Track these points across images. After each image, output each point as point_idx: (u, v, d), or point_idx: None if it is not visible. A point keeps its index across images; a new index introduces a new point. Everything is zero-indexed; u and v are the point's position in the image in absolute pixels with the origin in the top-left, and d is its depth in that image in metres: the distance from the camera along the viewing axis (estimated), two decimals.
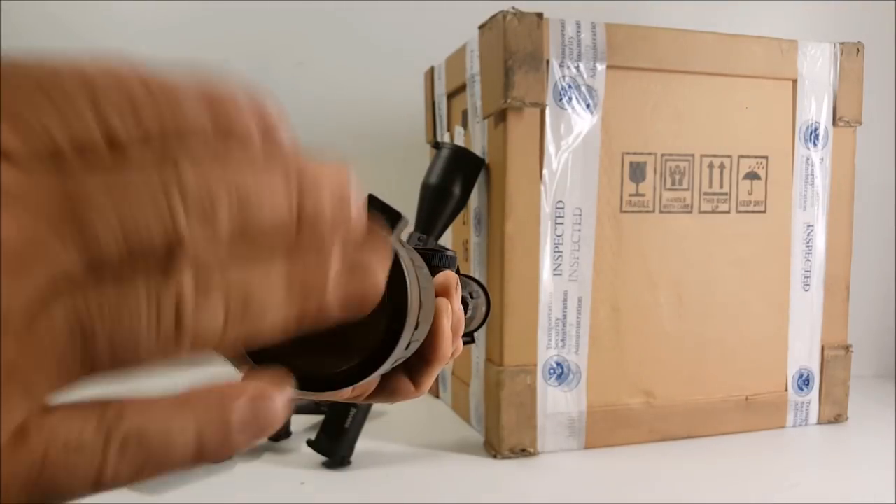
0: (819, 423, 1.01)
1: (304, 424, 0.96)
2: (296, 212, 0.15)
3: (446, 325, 0.30)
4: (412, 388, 0.32)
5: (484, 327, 0.46)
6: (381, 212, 0.23)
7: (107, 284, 0.13)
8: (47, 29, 1.25)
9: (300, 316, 0.16)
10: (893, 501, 0.75)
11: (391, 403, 0.33)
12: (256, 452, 0.88)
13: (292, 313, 0.16)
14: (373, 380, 0.31)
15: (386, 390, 0.32)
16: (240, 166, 0.14)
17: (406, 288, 0.23)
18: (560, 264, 0.87)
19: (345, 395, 0.30)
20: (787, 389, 0.99)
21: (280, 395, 0.17)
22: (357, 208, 0.17)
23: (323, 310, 0.16)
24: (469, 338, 0.43)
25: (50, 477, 0.13)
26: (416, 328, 0.25)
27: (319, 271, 0.16)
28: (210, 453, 0.16)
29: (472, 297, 0.42)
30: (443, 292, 0.31)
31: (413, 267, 0.25)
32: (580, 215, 0.87)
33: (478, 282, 0.46)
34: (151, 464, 0.16)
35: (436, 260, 0.36)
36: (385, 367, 0.24)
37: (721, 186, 0.94)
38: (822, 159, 0.98)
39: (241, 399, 0.16)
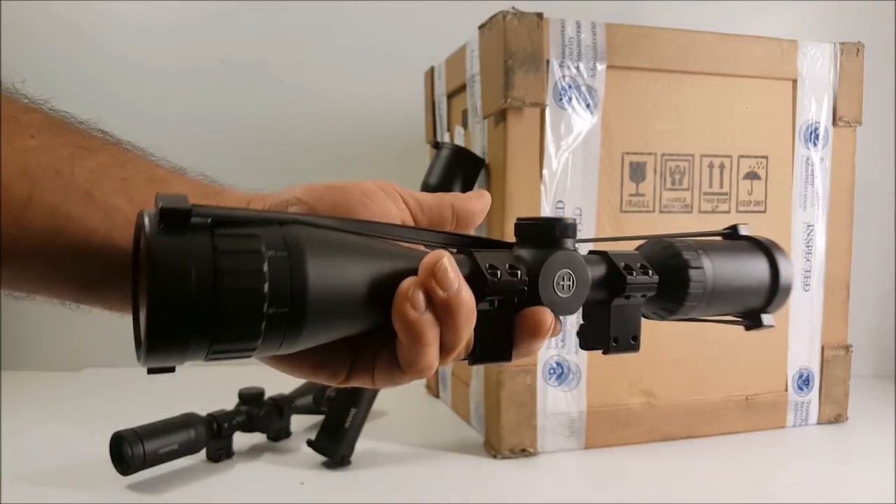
0: (819, 423, 1.01)
1: (304, 424, 0.96)
2: None
3: (404, 308, 0.29)
4: (401, 374, 0.32)
5: None
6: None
7: None
8: (47, 29, 1.25)
9: None
10: (893, 501, 0.75)
11: (393, 386, 0.34)
12: (256, 452, 0.88)
13: None
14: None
15: (381, 370, 0.33)
16: None
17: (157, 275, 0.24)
18: None
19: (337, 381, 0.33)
20: (787, 389, 0.99)
21: None
22: None
23: None
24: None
25: None
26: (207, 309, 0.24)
27: None
28: None
29: (693, 266, 0.36)
30: (420, 272, 0.30)
31: (210, 251, 0.25)
32: (580, 215, 0.87)
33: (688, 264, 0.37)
34: None
35: (556, 231, 0.34)
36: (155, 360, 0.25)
37: (721, 186, 0.94)
38: (822, 159, 0.98)
39: None
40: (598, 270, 0.36)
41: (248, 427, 0.87)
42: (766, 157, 0.96)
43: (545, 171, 0.85)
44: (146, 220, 0.25)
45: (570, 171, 0.87)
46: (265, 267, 0.25)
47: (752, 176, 0.95)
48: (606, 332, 0.37)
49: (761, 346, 0.97)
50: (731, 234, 0.42)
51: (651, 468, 0.85)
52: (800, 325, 0.98)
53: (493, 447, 0.88)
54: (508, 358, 0.34)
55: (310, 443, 0.83)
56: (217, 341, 0.25)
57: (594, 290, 0.36)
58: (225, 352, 0.26)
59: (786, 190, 0.97)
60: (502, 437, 0.86)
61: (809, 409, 1.00)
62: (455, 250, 0.34)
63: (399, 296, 0.30)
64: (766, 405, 0.98)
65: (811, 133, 0.97)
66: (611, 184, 0.89)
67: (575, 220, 0.35)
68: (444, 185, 0.87)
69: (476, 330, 0.32)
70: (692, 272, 0.37)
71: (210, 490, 0.77)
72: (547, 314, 0.33)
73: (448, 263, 0.30)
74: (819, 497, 0.77)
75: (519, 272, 0.33)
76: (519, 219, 0.35)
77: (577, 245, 0.35)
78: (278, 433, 0.90)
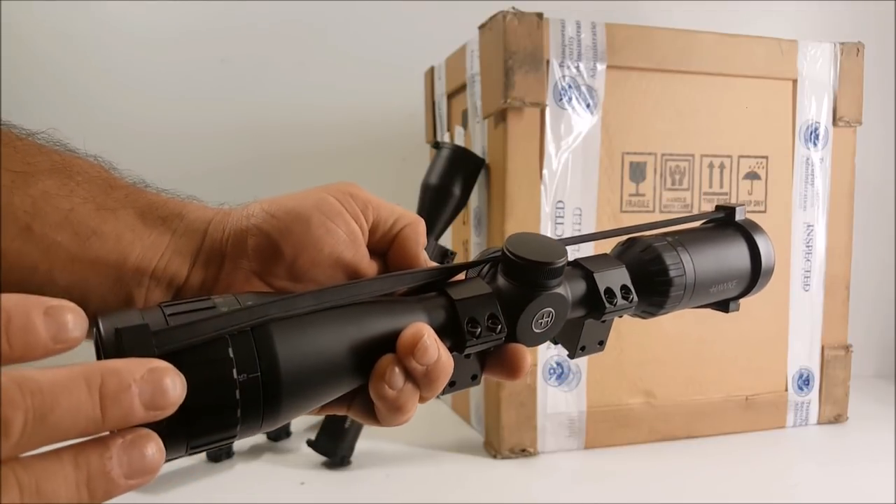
0: (819, 423, 1.01)
1: (304, 424, 0.96)
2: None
3: (381, 389, 0.29)
4: (377, 423, 0.32)
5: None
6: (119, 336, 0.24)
7: None
8: (46, 30, 1.25)
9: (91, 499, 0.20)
10: (893, 501, 0.75)
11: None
12: (256, 452, 0.88)
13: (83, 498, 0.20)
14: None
15: (356, 412, 0.33)
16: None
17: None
18: None
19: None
20: (787, 389, 0.99)
21: (152, 443, 0.21)
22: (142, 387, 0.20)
23: (111, 491, 0.20)
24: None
25: None
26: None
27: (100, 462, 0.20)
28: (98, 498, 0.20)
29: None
30: (399, 349, 0.29)
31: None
32: (580, 215, 0.87)
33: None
34: None
35: (541, 276, 0.32)
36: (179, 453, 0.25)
37: (721, 186, 0.94)
38: (822, 159, 0.98)
39: (116, 449, 0.20)
40: (579, 290, 0.35)
41: None
42: (766, 157, 0.96)
43: (545, 171, 0.85)
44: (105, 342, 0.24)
45: (570, 171, 0.87)
46: (237, 394, 0.26)
47: (752, 176, 0.95)
48: (576, 340, 0.37)
49: (761, 345, 0.97)
50: (723, 217, 0.41)
51: (651, 468, 0.85)
52: (800, 325, 0.98)
53: (493, 447, 0.88)
54: (477, 383, 0.34)
55: (310, 443, 0.83)
56: (193, 448, 0.26)
57: (572, 310, 0.35)
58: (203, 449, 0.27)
59: (786, 190, 0.97)
60: (502, 437, 0.86)
61: (809, 409, 1.00)
62: (434, 293, 0.32)
63: (376, 376, 0.29)
64: (766, 405, 0.98)
65: (811, 133, 0.97)
66: (611, 184, 0.89)
67: (564, 263, 0.33)
68: (444, 185, 0.87)
69: None
70: (673, 277, 0.37)
71: (210, 490, 0.77)
72: (526, 356, 0.33)
73: (428, 341, 0.29)
74: (819, 497, 0.77)
75: (499, 325, 0.32)
76: (508, 250, 0.33)
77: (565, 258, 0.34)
78: (278, 433, 0.91)
